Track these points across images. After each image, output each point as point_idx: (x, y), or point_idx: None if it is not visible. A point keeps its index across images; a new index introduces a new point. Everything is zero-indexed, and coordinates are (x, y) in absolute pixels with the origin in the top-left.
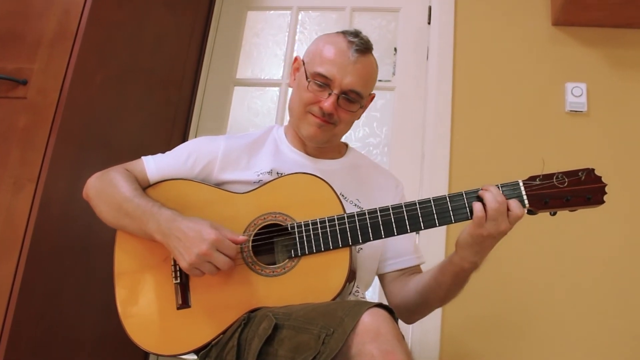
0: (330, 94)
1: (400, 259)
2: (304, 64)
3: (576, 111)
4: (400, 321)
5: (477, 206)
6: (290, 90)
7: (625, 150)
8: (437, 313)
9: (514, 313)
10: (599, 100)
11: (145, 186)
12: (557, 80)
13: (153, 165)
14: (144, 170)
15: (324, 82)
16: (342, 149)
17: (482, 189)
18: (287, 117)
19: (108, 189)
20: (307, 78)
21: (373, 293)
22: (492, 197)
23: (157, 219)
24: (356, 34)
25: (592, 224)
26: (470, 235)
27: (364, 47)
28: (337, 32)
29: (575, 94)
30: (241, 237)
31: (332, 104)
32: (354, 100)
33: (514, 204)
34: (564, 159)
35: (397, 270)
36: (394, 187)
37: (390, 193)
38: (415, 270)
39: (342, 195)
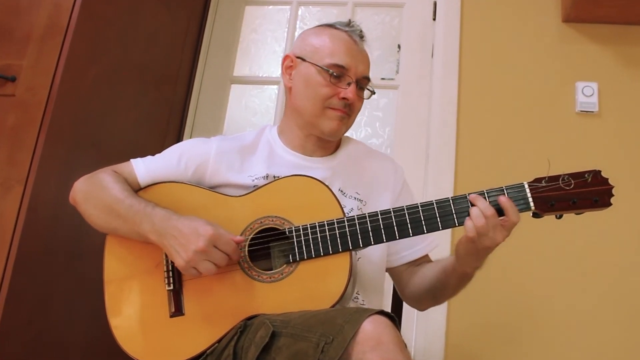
0: (349, 83)
1: (410, 250)
2: (303, 60)
3: (587, 111)
4: (402, 329)
5: (468, 224)
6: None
7: (638, 152)
8: (441, 321)
9: (520, 321)
10: (610, 100)
11: (135, 190)
12: (567, 79)
13: (143, 167)
14: (133, 173)
15: (341, 73)
16: (337, 142)
17: (469, 199)
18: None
19: (97, 192)
20: (328, 71)
21: None
22: (478, 213)
23: (151, 219)
24: (347, 23)
25: (601, 228)
26: (465, 249)
27: (362, 33)
28: (323, 26)
29: (586, 94)
30: (238, 238)
31: (354, 93)
32: (365, 87)
33: (511, 210)
34: (573, 161)
35: (406, 263)
36: (393, 172)
37: (389, 179)
38: (424, 259)
39: (341, 191)
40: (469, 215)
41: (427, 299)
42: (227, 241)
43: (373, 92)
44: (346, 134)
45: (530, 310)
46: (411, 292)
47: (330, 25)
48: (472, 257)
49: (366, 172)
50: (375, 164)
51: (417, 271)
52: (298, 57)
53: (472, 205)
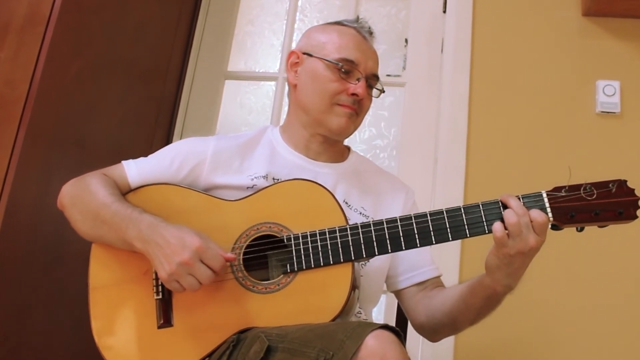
0: (359, 79)
1: (418, 271)
2: (310, 55)
3: (608, 112)
4: (408, 345)
5: (496, 226)
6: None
7: None
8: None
9: (532, 335)
10: (633, 100)
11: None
12: (587, 77)
13: (135, 169)
14: (124, 175)
15: (350, 68)
16: (344, 153)
17: (501, 200)
18: (283, 117)
19: (84, 196)
20: (337, 64)
21: (378, 313)
22: (511, 212)
23: (138, 225)
24: (355, 19)
25: (622, 239)
26: (496, 256)
27: (371, 30)
28: (329, 23)
29: (608, 93)
30: (229, 255)
31: (364, 88)
32: (373, 86)
33: (535, 213)
34: (594, 165)
35: (416, 285)
36: (404, 194)
37: (398, 201)
38: (437, 282)
39: (346, 203)
40: (483, 226)
41: (445, 325)
42: (214, 255)
43: (382, 91)
44: (355, 150)
45: (547, 325)
46: (429, 318)
47: (337, 22)
48: (503, 269)
49: (374, 189)
50: (384, 183)
51: (437, 294)
52: (304, 53)
53: (503, 205)
